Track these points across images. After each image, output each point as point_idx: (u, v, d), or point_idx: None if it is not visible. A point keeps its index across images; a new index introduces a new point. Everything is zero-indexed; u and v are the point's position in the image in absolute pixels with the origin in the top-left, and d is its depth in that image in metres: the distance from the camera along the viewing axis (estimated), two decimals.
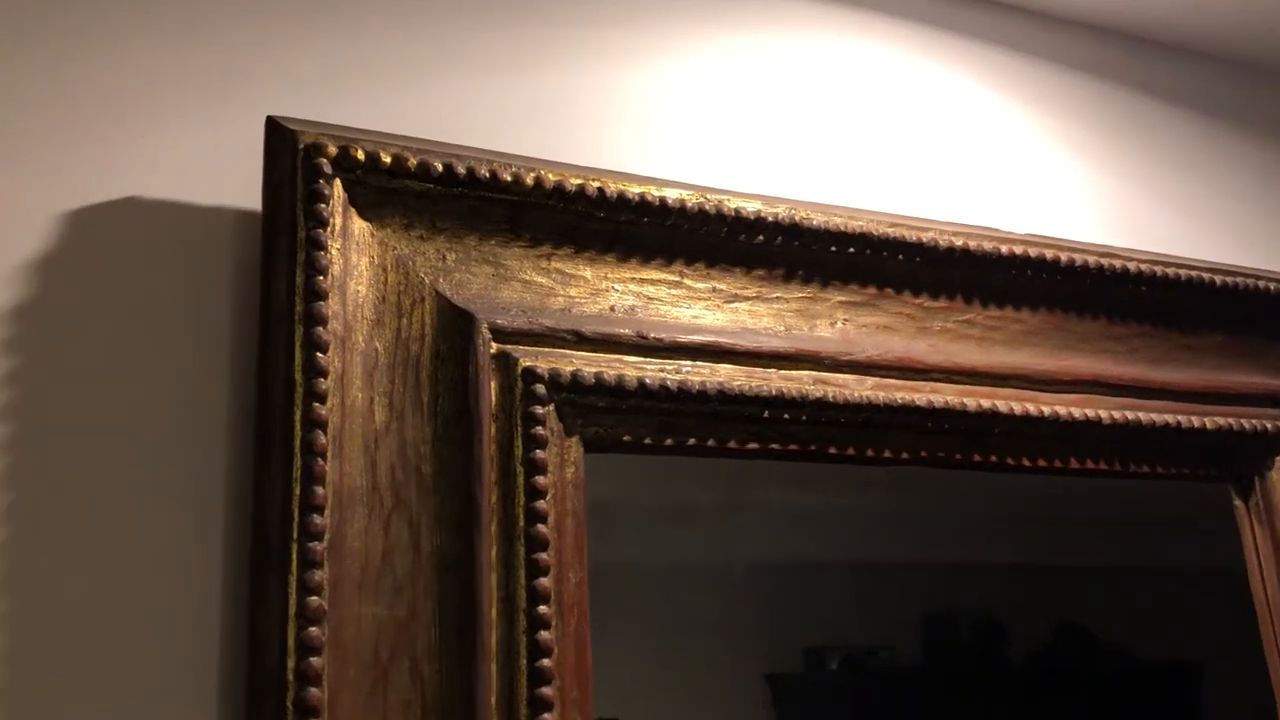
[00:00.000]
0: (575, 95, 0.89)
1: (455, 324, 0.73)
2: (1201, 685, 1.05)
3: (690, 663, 0.84)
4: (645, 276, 0.81)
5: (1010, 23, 1.14)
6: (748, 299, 0.85)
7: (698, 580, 0.85)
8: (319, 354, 0.68)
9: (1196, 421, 0.99)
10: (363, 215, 0.73)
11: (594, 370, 0.76)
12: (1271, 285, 1.07)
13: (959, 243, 0.92)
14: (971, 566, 0.98)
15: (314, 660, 0.64)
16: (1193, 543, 1.08)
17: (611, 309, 0.80)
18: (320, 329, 0.69)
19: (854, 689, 0.92)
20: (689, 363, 0.80)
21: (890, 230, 0.90)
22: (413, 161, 0.74)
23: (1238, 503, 1.03)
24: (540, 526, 0.72)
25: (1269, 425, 1.03)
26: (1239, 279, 1.06)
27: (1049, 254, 0.96)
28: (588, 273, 0.80)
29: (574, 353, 0.77)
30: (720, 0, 0.99)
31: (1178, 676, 1.05)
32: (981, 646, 0.98)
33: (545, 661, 0.70)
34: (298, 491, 0.66)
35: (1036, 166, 1.10)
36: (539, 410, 0.74)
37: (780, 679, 0.88)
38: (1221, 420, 1.01)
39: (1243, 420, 1.02)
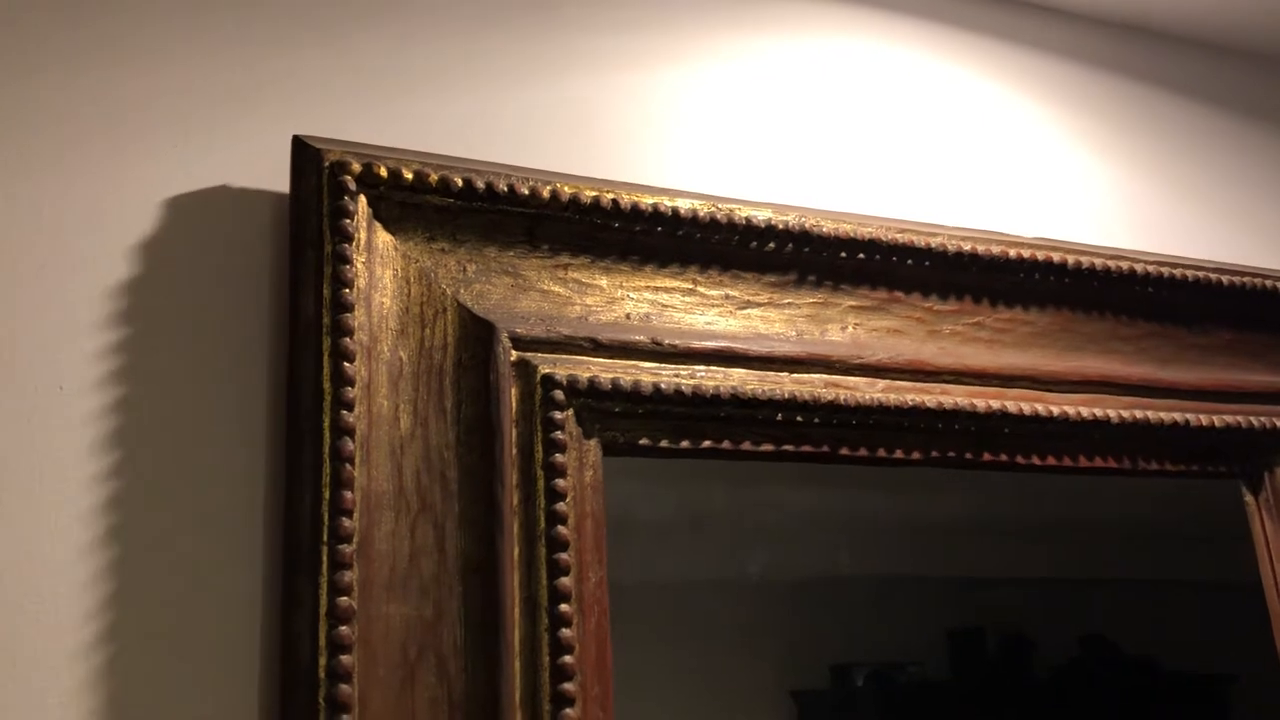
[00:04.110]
0: (589, 108, 0.91)
1: (476, 333, 0.76)
2: (1230, 698, 1.05)
3: (715, 679, 0.85)
4: (660, 284, 0.84)
5: (1017, 18, 1.15)
6: (760, 305, 0.87)
7: (721, 595, 0.86)
8: (346, 364, 0.71)
9: (1205, 420, 1.00)
10: (386, 229, 0.75)
11: (611, 376, 0.78)
12: (1279, 284, 1.08)
13: (968, 247, 0.94)
14: (997, 580, 0.98)
15: (344, 658, 0.66)
16: (1220, 555, 1.07)
17: (627, 316, 0.82)
18: (347, 339, 0.71)
19: (881, 705, 0.92)
20: (703, 368, 0.82)
21: (899, 236, 0.91)
22: (434, 177, 0.76)
23: (1248, 499, 1.04)
24: (561, 528, 0.74)
25: (1278, 422, 1.04)
26: (1246, 278, 1.07)
27: (1057, 256, 0.98)
28: (604, 282, 0.82)
29: (591, 359, 0.79)
30: (727, 10, 1.01)
31: (1206, 689, 1.04)
32: (1008, 661, 0.98)
33: (567, 658, 0.72)
34: (327, 496, 0.68)
35: (1044, 167, 1.11)
36: (558, 415, 0.76)
37: (806, 695, 0.88)
38: (1230, 418, 1.02)
39: (1252, 418, 1.03)
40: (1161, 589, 1.04)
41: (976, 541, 0.98)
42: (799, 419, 0.84)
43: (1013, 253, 0.96)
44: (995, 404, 0.91)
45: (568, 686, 0.72)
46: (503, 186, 0.78)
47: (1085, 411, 0.94)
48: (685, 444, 0.81)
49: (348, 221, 0.73)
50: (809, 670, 0.89)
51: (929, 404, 0.88)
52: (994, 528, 0.99)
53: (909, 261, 0.92)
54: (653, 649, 0.81)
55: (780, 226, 0.87)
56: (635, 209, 0.82)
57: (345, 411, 0.70)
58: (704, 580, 0.86)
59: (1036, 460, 0.93)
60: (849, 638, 0.91)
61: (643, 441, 0.80)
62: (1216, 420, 1.01)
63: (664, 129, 0.94)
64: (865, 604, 0.92)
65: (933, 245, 0.93)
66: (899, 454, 0.88)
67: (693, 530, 0.86)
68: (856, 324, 0.90)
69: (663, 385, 0.80)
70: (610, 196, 0.81)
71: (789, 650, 0.89)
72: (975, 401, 0.90)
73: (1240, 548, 1.03)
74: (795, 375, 0.85)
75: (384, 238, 0.75)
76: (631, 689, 0.75)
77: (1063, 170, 1.11)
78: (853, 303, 0.90)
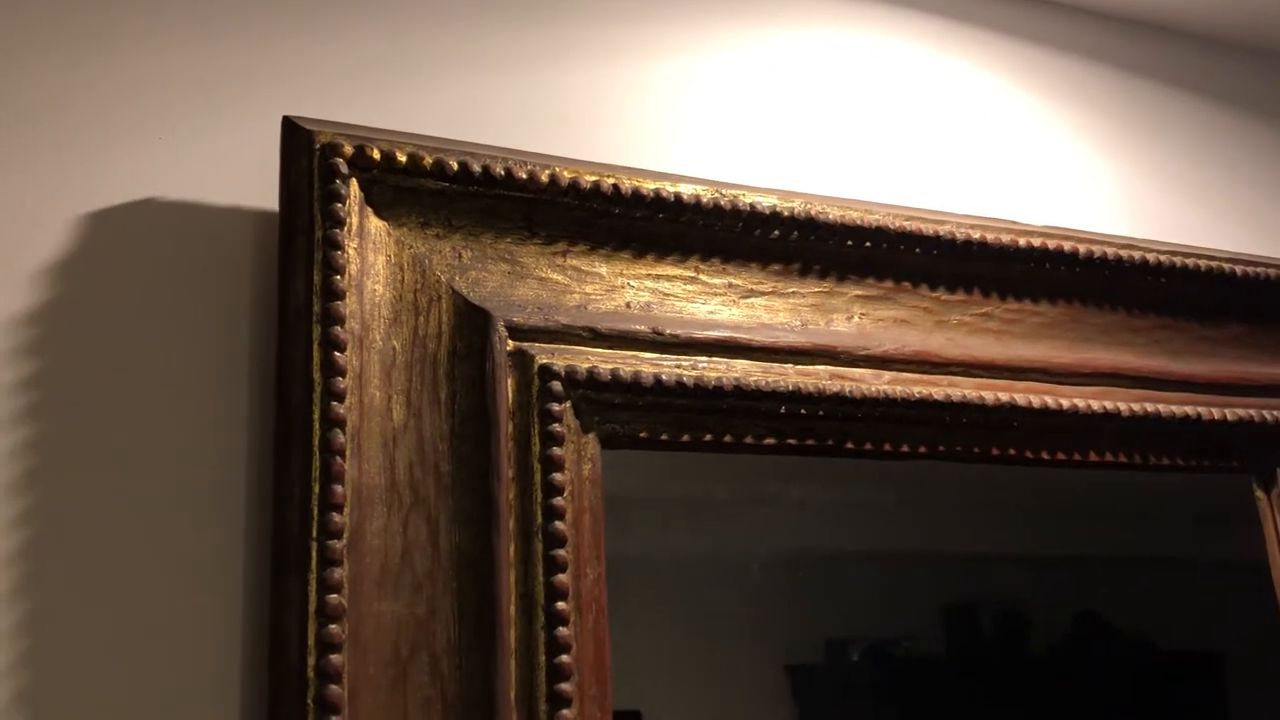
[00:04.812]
0: (589, 92, 0.89)
1: (472, 322, 0.74)
2: (1224, 676, 1.05)
3: (711, 656, 0.84)
4: (661, 273, 0.82)
5: (1025, 13, 1.14)
6: (764, 294, 0.85)
7: (717, 574, 0.85)
8: (337, 353, 0.68)
9: (1217, 413, 0.99)
10: (379, 214, 0.73)
11: (610, 367, 0.76)
12: None
13: (976, 235, 0.92)
14: (993, 557, 0.98)
15: (334, 658, 0.64)
16: (1215, 534, 1.07)
17: (627, 305, 0.80)
18: (338, 328, 0.69)
19: (875, 680, 0.91)
20: (705, 359, 0.80)
21: (907, 224, 0.89)
22: (428, 160, 0.74)
23: (1259, 494, 1.03)
24: (558, 523, 0.72)
25: None
26: (1260, 269, 1.05)
27: (1067, 246, 0.96)
28: (603, 269, 0.80)
29: (590, 349, 0.77)
30: None
31: (1199, 667, 1.04)
32: (1003, 637, 0.98)
33: (564, 657, 0.70)
34: (317, 490, 0.66)
35: (1054, 157, 1.10)
36: (556, 407, 0.74)
37: (800, 670, 0.88)
38: (1242, 411, 1.00)
39: (1264, 411, 1.01)
40: (1157, 566, 1.04)
41: (972, 519, 0.97)
42: (803, 411, 0.82)
43: (1022, 241, 0.94)
44: (1004, 397, 0.89)
45: (565, 686, 0.70)
46: (499, 170, 0.76)
47: (1096, 405, 0.93)
48: (686, 437, 0.79)
49: (339, 206, 0.71)
50: (804, 645, 0.88)
51: (936, 397, 0.86)
52: (989, 505, 0.97)
53: (916, 250, 0.90)
54: (647, 627, 0.79)
55: (785, 213, 0.85)
56: (636, 194, 0.80)
57: (336, 403, 0.68)
58: (698, 559, 0.84)
59: (1045, 455, 0.92)
60: (844, 613, 0.91)
61: (642, 434, 0.78)
62: (1229, 414, 0.99)
63: (666, 113, 0.92)
64: (861, 580, 0.91)
65: (940, 233, 0.91)
66: (905, 448, 0.86)
67: (688, 505, 0.85)
68: (862, 314, 0.88)
69: (664, 376, 0.78)
70: (610, 181, 0.79)
71: (784, 626, 0.88)
72: (984, 394, 0.89)
73: (1240, 526, 1.03)
74: (800, 366, 0.83)
75: (376, 223, 0.73)
76: (627, 666, 0.73)
77: (1072, 165, 1.10)
78: (858, 292, 0.88)
